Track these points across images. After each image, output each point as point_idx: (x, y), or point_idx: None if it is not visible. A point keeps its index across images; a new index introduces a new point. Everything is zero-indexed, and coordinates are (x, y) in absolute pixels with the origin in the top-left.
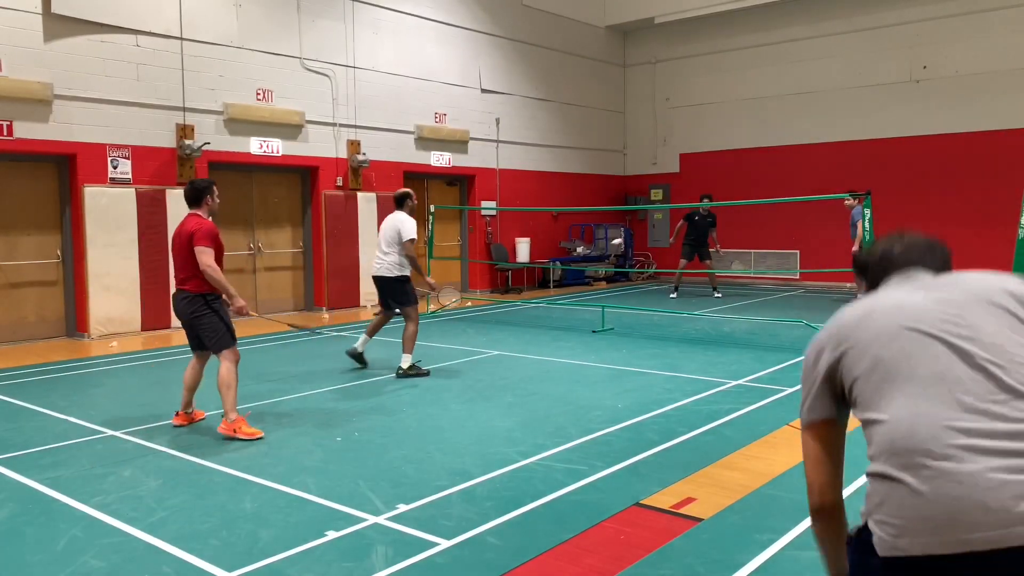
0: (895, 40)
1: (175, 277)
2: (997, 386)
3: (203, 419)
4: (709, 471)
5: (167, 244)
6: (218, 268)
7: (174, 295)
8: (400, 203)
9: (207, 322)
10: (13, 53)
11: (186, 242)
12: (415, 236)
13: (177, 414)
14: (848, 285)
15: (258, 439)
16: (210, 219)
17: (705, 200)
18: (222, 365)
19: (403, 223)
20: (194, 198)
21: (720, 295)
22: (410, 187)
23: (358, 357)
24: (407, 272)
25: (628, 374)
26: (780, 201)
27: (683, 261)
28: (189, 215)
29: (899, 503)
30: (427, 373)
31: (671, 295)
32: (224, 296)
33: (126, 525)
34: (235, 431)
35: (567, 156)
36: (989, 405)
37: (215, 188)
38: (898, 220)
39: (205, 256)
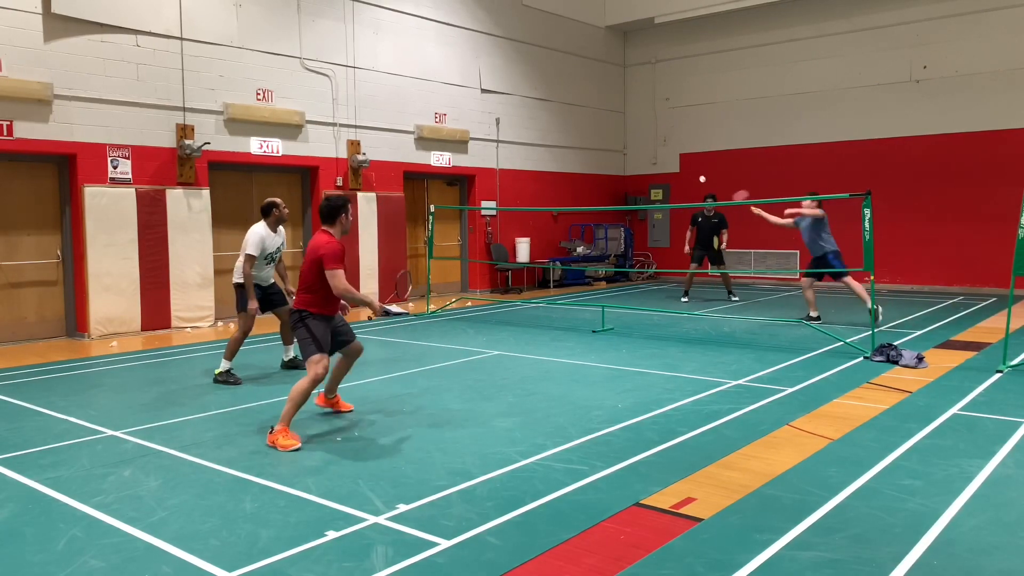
0: (895, 40)
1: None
2: None
3: (350, 411)
4: (709, 471)
5: (167, 244)
6: (351, 288)
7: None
8: (265, 213)
9: (299, 333)
10: (13, 53)
11: (312, 258)
12: (252, 252)
13: (319, 394)
14: None
15: (294, 450)
16: (340, 238)
17: (709, 200)
18: (304, 377)
19: (248, 237)
20: (328, 215)
21: (737, 298)
22: (410, 187)
23: (293, 363)
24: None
25: (628, 374)
26: (780, 201)
27: (693, 265)
28: (320, 232)
29: None
30: (239, 382)
31: (683, 299)
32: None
33: (126, 525)
34: (274, 441)
35: (567, 156)
36: None
37: (350, 207)
38: (898, 220)
39: (337, 280)
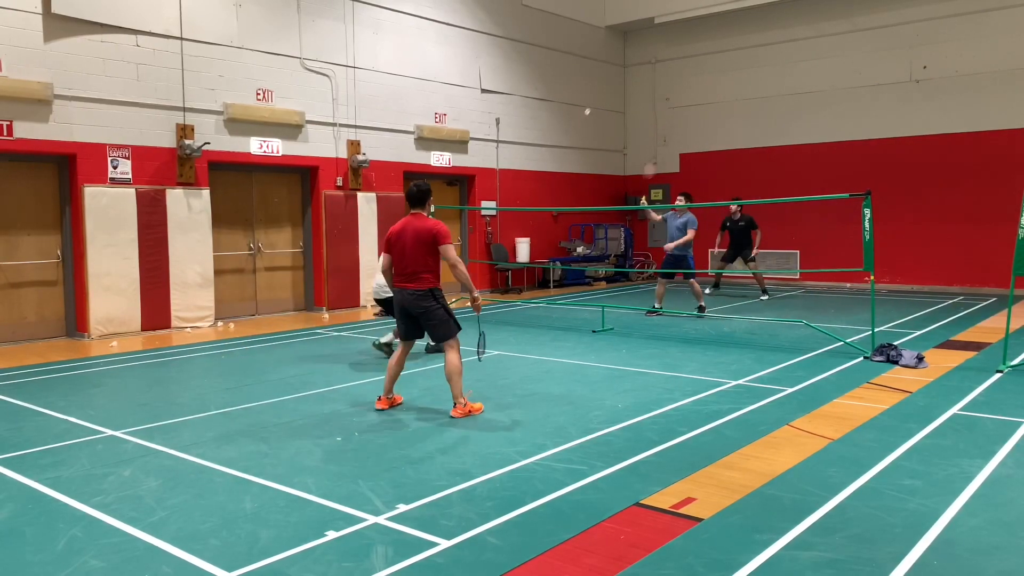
0: (895, 40)
1: (401, 273)
2: None
3: (401, 403)
4: (709, 471)
5: (167, 244)
6: (462, 262)
7: (399, 290)
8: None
9: (437, 316)
10: (13, 53)
11: (426, 240)
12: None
13: (380, 399)
14: (848, 285)
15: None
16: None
17: (734, 203)
18: (448, 355)
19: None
20: (419, 199)
21: (767, 296)
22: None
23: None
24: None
25: (628, 374)
26: (780, 201)
27: (724, 263)
28: (416, 215)
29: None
30: (389, 354)
31: (706, 291)
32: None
33: (126, 525)
34: (469, 412)
35: (567, 156)
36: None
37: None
38: (898, 220)
39: (454, 251)
